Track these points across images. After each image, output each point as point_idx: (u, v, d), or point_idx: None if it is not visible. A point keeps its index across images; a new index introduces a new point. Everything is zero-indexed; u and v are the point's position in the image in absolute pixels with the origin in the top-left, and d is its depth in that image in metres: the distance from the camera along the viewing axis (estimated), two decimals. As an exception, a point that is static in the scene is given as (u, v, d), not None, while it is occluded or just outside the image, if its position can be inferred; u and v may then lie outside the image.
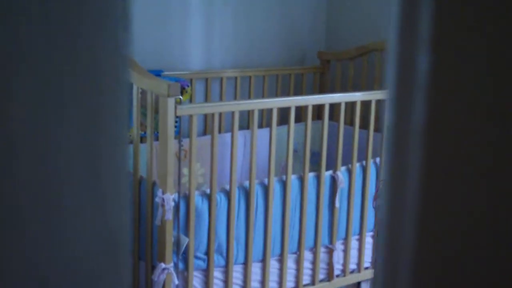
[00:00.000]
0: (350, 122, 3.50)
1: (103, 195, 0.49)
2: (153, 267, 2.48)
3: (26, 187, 0.44)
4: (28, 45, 0.43)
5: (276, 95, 3.69)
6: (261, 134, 3.20)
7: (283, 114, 3.19)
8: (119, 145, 0.50)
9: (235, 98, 3.55)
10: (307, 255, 2.90)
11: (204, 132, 3.48)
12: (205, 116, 3.45)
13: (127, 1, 0.48)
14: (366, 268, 3.13)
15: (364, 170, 2.99)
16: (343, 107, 2.87)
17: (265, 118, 3.62)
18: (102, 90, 0.47)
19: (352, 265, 3.07)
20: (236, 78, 3.56)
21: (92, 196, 0.48)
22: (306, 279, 2.92)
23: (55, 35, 0.44)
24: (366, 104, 3.05)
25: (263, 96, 3.64)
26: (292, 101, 2.74)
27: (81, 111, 0.46)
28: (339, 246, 2.99)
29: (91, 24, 0.45)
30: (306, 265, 2.90)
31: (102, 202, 0.49)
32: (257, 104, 2.65)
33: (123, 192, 0.51)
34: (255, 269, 2.74)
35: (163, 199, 2.35)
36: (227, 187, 2.58)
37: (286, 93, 3.75)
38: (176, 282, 2.44)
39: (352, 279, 3.08)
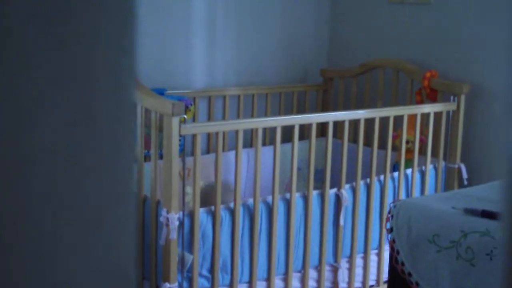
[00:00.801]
0: (353, 139, 3.50)
1: (108, 231, 0.48)
2: (158, 287, 2.47)
3: (26, 220, 0.43)
4: (39, 68, 0.43)
5: (279, 113, 3.69)
6: (263, 152, 3.19)
7: (286, 131, 3.19)
8: (126, 184, 0.49)
9: (238, 116, 3.55)
10: (312, 274, 2.88)
11: (208, 151, 3.48)
12: (208, 134, 3.45)
13: (134, 28, 0.48)
14: (371, 286, 3.11)
15: (368, 188, 2.98)
16: (347, 124, 2.87)
17: (268, 136, 3.62)
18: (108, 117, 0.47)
19: (357, 283, 3.06)
20: (239, 96, 3.56)
21: (95, 233, 0.47)
22: (311, 297, 2.90)
23: (66, 59, 0.44)
24: (369, 122, 3.04)
25: (266, 114, 3.65)
26: (296, 119, 2.74)
27: (86, 135, 0.46)
28: (343, 264, 2.97)
29: (101, 45, 0.45)
30: (311, 283, 2.89)
31: (107, 240, 0.48)
32: (261, 122, 2.65)
33: (129, 230, 0.50)
34: (260, 288, 2.72)
35: (167, 219, 2.35)
36: (231, 204, 2.58)
37: (289, 111, 3.76)
38: (181, 302, 2.43)
39: (357, 297, 3.07)
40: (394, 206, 1.94)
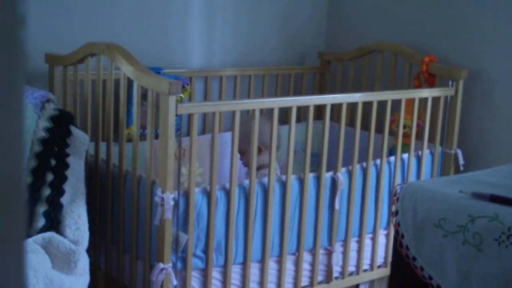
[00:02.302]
0: (349, 123, 3.48)
1: None
2: (151, 267, 2.45)
3: None
4: None
5: (276, 95, 3.67)
6: (260, 134, 3.17)
7: (282, 113, 3.17)
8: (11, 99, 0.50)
9: (234, 97, 3.53)
10: (306, 257, 2.88)
11: (203, 131, 3.45)
12: (204, 115, 3.43)
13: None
14: (365, 270, 3.11)
15: (364, 171, 2.97)
16: (344, 107, 2.85)
17: (264, 118, 3.59)
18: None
19: (351, 267, 3.05)
20: (235, 77, 3.53)
21: None
22: (304, 280, 2.90)
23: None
24: (366, 105, 3.03)
25: (262, 96, 3.62)
26: (294, 101, 2.72)
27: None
28: (338, 248, 2.97)
29: None
30: (305, 266, 2.88)
31: None
32: (258, 103, 2.62)
33: (18, 137, 0.51)
34: (254, 269, 2.71)
35: (162, 198, 2.32)
36: (227, 185, 2.56)
37: (285, 93, 3.73)
38: (175, 282, 2.42)
39: (350, 281, 3.06)
40: (400, 189, 1.91)
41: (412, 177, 3.15)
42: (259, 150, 2.78)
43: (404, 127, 3.18)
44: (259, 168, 2.88)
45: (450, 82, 3.23)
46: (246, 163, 2.91)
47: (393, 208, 1.92)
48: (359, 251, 3.05)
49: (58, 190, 2.29)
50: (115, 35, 3.03)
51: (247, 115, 3.08)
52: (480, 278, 1.69)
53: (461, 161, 3.26)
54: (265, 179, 2.66)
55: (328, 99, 2.82)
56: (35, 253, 2.04)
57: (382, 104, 3.03)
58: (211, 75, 3.46)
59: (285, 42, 3.86)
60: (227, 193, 2.55)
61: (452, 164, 3.27)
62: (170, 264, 2.40)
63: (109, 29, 3.13)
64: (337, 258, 2.96)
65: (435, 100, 3.20)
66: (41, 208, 2.25)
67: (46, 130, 2.33)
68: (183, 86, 3.08)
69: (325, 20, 4.02)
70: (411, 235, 1.85)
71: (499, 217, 1.66)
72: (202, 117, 3.45)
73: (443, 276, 1.77)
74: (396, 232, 1.90)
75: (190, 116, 2.40)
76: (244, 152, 2.89)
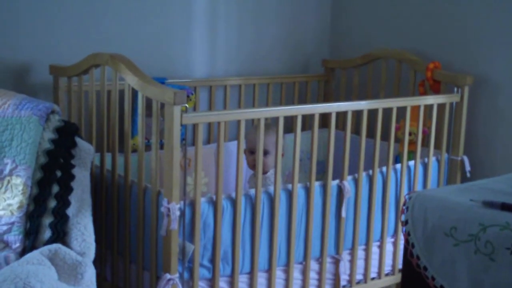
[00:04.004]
0: (355, 130, 3.47)
1: None
2: (158, 278, 2.44)
3: None
4: None
5: (281, 103, 3.66)
6: (266, 143, 3.16)
7: (287, 122, 3.16)
8: None
9: (239, 106, 3.53)
10: (313, 265, 2.86)
11: (208, 141, 3.45)
12: (209, 125, 3.42)
13: None
14: (373, 278, 3.10)
15: (370, 179, 2.95)
16: (350, 115, 2.84)
17: (269, 127, 3.58)
18: None
19: (359, 276, 3.04)
20: (240, 86, 3.53)
21: None
22: (312, 289, 2.88)
23: None
24: (371, 113, 3.02)
25: (267, 104, 3.62)
26: (299, 110, 2.71)
27: None
28: (345, 256, 2.95)
29: None
30: (312, 275, 2.87)
31: None
32: (263, 112, 2.61)
33: None
34: (261, 279, 2.70)
35: (168, 209, 2.32)
36: (233, 194, 2.55)
37: (290, 101, 3.73)
38: (182, 293, 2.41)
39: (358, 289, 3.05)
40: (409, 198, 1.89)
41: (418, 184, 3.13)
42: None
43: (410, 134, 3.16)
44: (264, 172, 2.88)
45: (455, 89, 3.22)
46: (253, 165, 2.90)
47: (403, 218, 1.89)
48: (367, 259, 3.03)
49: (64, 201, 2.28)
50: (119, 45, 3.03)
51: (270, 121, 3.10)
52: (493, 287, 1.67)
53: (468, 168, 3.24)
54: (271, 188, 2.65)
55: (333, 107, 2.82)
56: (42, 265, 2.03)
57: (387, 112, 3.02)
58: (215, 84, 3.46)
59: (289, 50, 3.86)
60: (233, 202, 2.54)
61: (458, 171, 3.26)
62: (177, 275, 2.39)
63: (113, 39, 3.13)
64: (344, 266, 2.94)
65: (441, 106, 3.19)
66: (47, 220, 2.25)
67: (51, 141, 2.33)
68: (188, 96, 3.08)
69: (329, 27, 4.02)
70: (422, 245, 1.83)
71: (511, 225, 1.64)
72: (207, 127, 3.44)
73: (455, 286, 1.75)
74: (406, 241, 1.88)
75: (195, 126, 2.40)
76: (265, 153, 2.92)
